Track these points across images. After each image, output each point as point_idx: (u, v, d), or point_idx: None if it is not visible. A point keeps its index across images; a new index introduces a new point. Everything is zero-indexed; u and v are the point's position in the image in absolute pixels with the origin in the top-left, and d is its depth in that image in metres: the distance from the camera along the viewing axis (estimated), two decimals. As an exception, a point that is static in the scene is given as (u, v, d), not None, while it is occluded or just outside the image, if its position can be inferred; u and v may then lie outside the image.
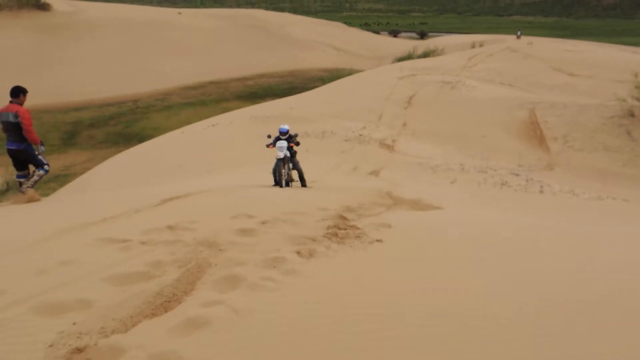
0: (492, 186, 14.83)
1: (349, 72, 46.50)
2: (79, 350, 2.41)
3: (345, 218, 5.93)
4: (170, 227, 4.73)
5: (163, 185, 14.17)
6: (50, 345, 2.45)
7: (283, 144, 11.49)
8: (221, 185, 12.52)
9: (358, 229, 5.32)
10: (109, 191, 12.12)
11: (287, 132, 11.80)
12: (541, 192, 13.79)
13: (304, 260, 4.01)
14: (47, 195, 29.19)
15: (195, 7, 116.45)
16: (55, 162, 44.71)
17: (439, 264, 4.28)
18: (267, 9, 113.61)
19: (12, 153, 7.22)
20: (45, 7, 67.84)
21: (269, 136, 12.29)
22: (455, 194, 12.84)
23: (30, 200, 6.98)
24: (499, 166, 18.11)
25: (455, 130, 23.50)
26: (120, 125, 53.13)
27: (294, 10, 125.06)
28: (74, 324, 2.70)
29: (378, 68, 42.57)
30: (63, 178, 37.64)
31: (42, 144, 7.45)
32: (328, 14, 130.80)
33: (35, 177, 7.33)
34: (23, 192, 7.15)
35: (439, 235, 5.53)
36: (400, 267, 4.09)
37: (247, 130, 25.58)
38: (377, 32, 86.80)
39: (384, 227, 5.57)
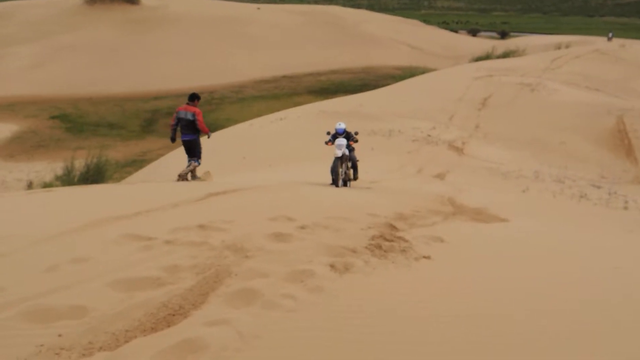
0: (569, 198, 13.67)
1: (423, 71, 45.30)
2: (49, 371, 2.13)
3: (394, 227, 5.44)
4: (201, 226, 4.45)
5: (221, 177, 14.17)
6: (21, 362, 2.18)
7: (342, 141, 11.08)
8: (278, 180, 12.31)
9: (405, 241, 4.82)
10: (165, 181, 12.22)
11: (344, 131, 11.37)
12: (625, 208, 12.53)
13: (336, 276, 3.59)
14: (122, 178, 30.59)
15: (275, 3, 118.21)
16: (133, 148, 46.88)
17: (492, 293, 3.71)
18: (344, 5, 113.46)
19: (185, 142, 9.36)
20: (134, 1, 71.23)
21: (328, 133, 11.92)
22: (526, 205, 11.90)
23: (188, 177, 9.32)
24: (578, 176, 16.76)
25: (531, 135, 22.11)
26: (196, 115, 54.66)
27: (371, 7, 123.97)
28: (60, 335, 2.43)
29: (453, 67, 41.11)
30: (139, 163, 39.24)
31: (209, 135, 9.66)
32: (405, 12, 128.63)
33: (191, 167, 9.41)
34: (187, 170, 9.33)
35: (497, 255, 4.92)
36: (444, 294, 3.56)
37: (314, 125, 25.30)
38: (455, 31, 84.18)
39: (436, 241, 5.03)
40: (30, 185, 28.01)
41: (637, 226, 10.18)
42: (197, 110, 9.20)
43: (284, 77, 66.71)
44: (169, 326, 2.68)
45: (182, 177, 9.37)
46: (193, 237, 4.15)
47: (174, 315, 2.80)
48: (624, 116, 22.05)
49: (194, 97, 9.47)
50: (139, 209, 4.94)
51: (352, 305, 3.12)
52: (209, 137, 9.73)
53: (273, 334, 2.60)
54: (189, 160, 9.46)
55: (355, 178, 11.42)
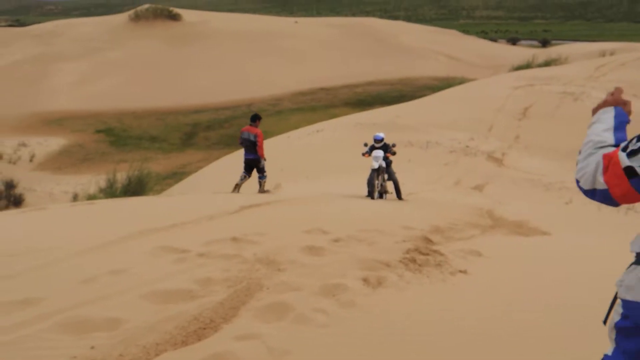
0: (615, 210, 13.16)
1: (461, 81, 44.73)
2: (81, 383, 2.15)
3: (429, 240, 5.33)
4: (234, 239, 4.48)
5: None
6: (54, 374, 2.22)
7: (379, 153, 11.01)
8: (314, 192, 12.32)
9: (441, 255, 4.71)
10: (202, 193, 12.41)
11: (382, 140, 11.30)
12: (675, 221, 11.97)
13: (369, 291, 3.53)
14: (163, 190, 31.27)
15: (312, 15, 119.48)
16: (174, 161, 47.97)
17: (530, 310, 3.57)
18: (381, 17, 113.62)
19: (247, 161, 10.22)
20: (176, 18, 73.29)
21: (366, 144, 11.87)
22: (569, 218, 11.53)
23: (262, 191, 10.24)
24: (625, 188, 16.14)
25: (575, 145, 21.35)
26: (234, 128, 55.63)
27: (408, 19, 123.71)
28: (92, 347, 2.46)
29: (492, 77, 40.46)
30: (180, 175, 40.09)
31: (264, 160, 10.33)
32: (443, 22, 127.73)
33: (262, 183, 10.39)
34: (261, 191, 10.27)
35: (538, 270, 4.75)
36: (480, 310, 3.45)
37: (351, 137, 25.30)
38: (494, 40, 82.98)
39: (473, 255, 4.90)
40: (75, 198, 28.98)
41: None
42: (258, 131, 9.75)
43: (321, 89, 67.11)
44: (199, 340, 2.68)
45: (236, 188, 10.20)
46: (226, 249, 4.17)
47: (204, 328, 2.80)
48: (673, 125, 21.16)
49: (255, 118, 10.01)
50: (175, 221, 5.02)
51: (384, 321, 3.06)
52: (265, 161, 10.39)
53: (303, 349, 2.57)
54: (244, 174, 10.31)
55: (399, 198, 11.30)
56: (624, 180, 1.54)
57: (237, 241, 4.45)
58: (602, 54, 45.98)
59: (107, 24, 75.41)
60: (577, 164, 1.81)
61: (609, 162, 1.61)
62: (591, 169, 1.69)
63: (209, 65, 70.07)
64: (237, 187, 10.22)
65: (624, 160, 1.55)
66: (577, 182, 1.79)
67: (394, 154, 11.50)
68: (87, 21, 78.58)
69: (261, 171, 10.33)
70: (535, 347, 2.97)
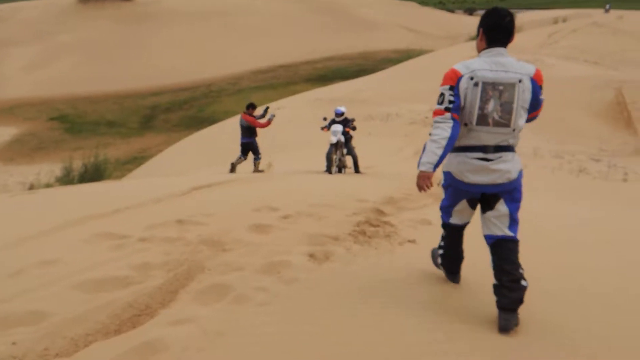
0: (568, 173, 13.52)
1: (420, 53, 44.91)
2: (-4, 382, 2.03)
3: (381, 212, 5.32)
4: (179, 221, 4.34)
5: (211, 170, 14.02)
6: (-32, 374, 2.09)
7: (338, 127, 10.93)
8: (273, 169, 12.19)
9: (392, 225, 4.70)
10: (156, 177, 12.13)
11: (343, 113, 11.22)
12: (625, 180, 12.37)
13: (314, 266, 3.48)
14: (123, 176, 30.57)
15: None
16: (133, 145, 46.86)
17: (472, 273, 3.59)
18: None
19: (243, 144, 11.39)
20: (127, -3, 70.73)
21: (325, 119, 11.77)
22: (525, 182, 11.78)
23: (256, 171, 11.23)
24: (577, 151, 16.60)
25: (530, 112, 21.92)
26: (194, 109, 54.64)
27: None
28: (14, 343, 2.33)
29: (449, 48, 40.71)
30: (140, 160, 39.20)
31: (272, 116, 11.52)
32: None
33: (257, 164, 11.43)
34: (255, 171, 11.22)
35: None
36: (425, 281, 3.43)
37: (311, 113, 25.20)
38: (451, 11, 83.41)
39: (423, 224, 4.92)
40: (31, 188, 28.02)
41: (637, 197, 10.04)
42: (250, 119, 10.95)
43: (281, 66, 66.34)
44: (134, 327, 2.58)
45: (232, 169, 11.34)
46: (170, 232, 4.04)
47: (140, 315, 2.69)
48: (622, 88, 21.78)
49: (249, 106, 11.24)
50: (119, 206, 4.84)
51: (326, 295, 3.02)
52: (273, 116, 11.59)
53: (239, 330, 2.50)
54: (240, 155, 11.45)
55: (357, 172, 11.28)
56: None
57: (182, 223, 4.31)
58: (555, 21, 46.81)
59: (54, 6, 72.29)
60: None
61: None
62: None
63: (164, 46, 68.22)
64: (233, 166, 11.39)
65: None
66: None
67: (354, 128, 11.43)
68: (33, 4, 75.08)
69: (256, 153, 11.38)
70: (478, 310, 2.98)
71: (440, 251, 3.29)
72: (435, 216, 5.20)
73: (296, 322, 2.64)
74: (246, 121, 11.11)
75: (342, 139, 10.96)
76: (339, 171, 10.93)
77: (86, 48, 66.86)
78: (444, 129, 2.82)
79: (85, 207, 4.83)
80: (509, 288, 2.74)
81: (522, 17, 58.97)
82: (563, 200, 8.98)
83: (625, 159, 15.71)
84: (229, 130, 26.48)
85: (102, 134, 49.63)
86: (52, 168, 34.27)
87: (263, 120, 11.40)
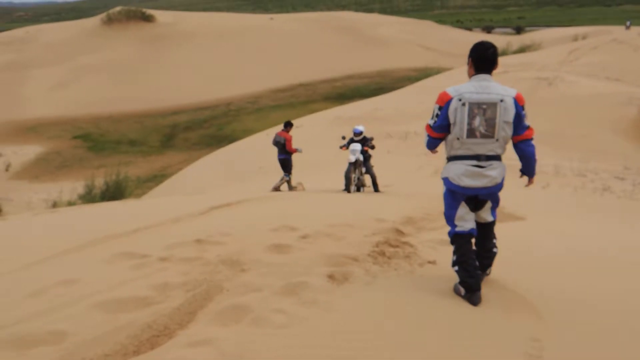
0: (591, 192, 13.27)
1: (438, 71, 44.91)
2: (16, 403, 2.03)
3: (401, 232, 5.27)
4: (198, 241, 4.35)
5: (232, 189, 14.12)
6: (-12, 395, 2.09)
7: (356, 147, 10.94)
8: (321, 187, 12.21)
9: (411, 246, 4.65)
10: (176, 196, 12.25)
11: (361, 133, 11.24)
12: (650, 199, 12.11)
13: (332, 287, 3.44)
14: (144, 194, 30.87)
15: (287, 12, 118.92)
16: (154, 163, 47.47)
17: (497, 298, 3.52)
18: (356, 10, 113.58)
19: (280, 161, 11.95)
20: (149, 19, 72.42)
21: (344, 137, 11.80)
22: (545, 201, 11.58)
23: (277, 189, 11.63)
24: (600, 169, 16.30)
25: (550, 129, 21.62)
26: (213, 128, 55.28)
27: (384, 11, 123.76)
28: (33, 365, 2.34)
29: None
30: (160, 178, 39.66)
31: (299, 150, 12.01)
32: (418, 13, 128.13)
33: (282, 181, 11.94)
34: (280, 183, 11.92)
35: (508, 259, 4.70)
36: (446, 303, 3.37)
37: (330, 132, 25.28)
38: (469, 29, 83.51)
39: (442, 245, 4.84)
40: (54, 206, 28.50)
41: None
42: (287, 136, 11.55)
43: (300, 85, 66.88)
44: (152, 348, 2.57)
45: (275, 189, 11.69)
46: (188, 252, 4.05)
47: (158, 336, 2.69)
48: (646, 105, 21.46)
49: (286, 125, 11.91)
50: (138, 225, 4.87)
51: (346, 317, 2.97)
52: (301, 152, 12.06)
53: (258, 354, 2.47)
54: (283, 175, 11.97)
55: (376, 191, 11.25)
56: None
57: (201, 243, 4.33)
58: (575, 39, 46.51)
59: (79, 28, 74.25)
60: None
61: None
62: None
63: (185, 66, 69.40)
64: (275, 188, 11.86)
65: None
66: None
67: (372, 147, 11.43)
68: (58, 26, 77.26)
69: (287, 170, 11.92)
70: (506, 333, 2.91)
71: (456, 267, 3.55)
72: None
73: (315, 345, 2.60)
74: (283, 138, 11.61)
75: (361, 157, 10.96)
76: (357, 190, 10.91)
77: (109, 69, 68.37)
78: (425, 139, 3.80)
79: (106, 226, 4.88)
80: (483, 256, 3.68)
81: (542, 35, 58.80)
82: (590, 220, 8.80)
83: (650, 177, 15.38)
84: (248, 147, 26.68)
85: (124, 152, 50.43)
86: (74, 186, 34.85)
87: (294, 147, 11.89)
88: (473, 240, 3.65)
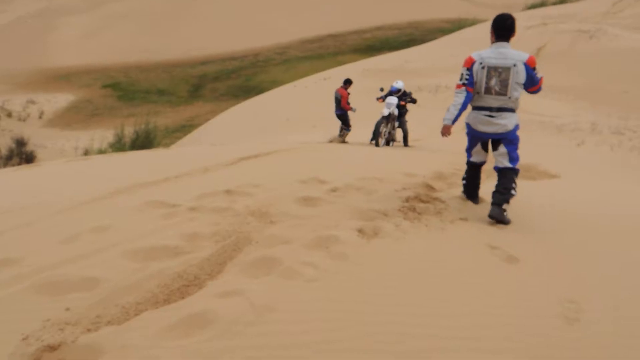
0: (628, 150, 12.83)
1: (472, 23, 43.31)
2: (51, 348, 2.06)
3: (431, 187, 5.17)
4: (228, 192, 4.34)
5: (260, 140, 14.10)
6: (24, 338, 2.13)
7: (392, 100, 10.71)
8: (316, 141, 12.11)
9: (442, 202, 4.56)
10: (206, 145, 12.28)
11: (399, 90, 10.99)
12: (691, 160, 11.65)
13: (363, 242, 3.39)
14: (172, 143, 31.15)
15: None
16: (182, 113, 47.70)
17: (532, 256, 3.43)
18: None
19: (338, 116, 12.23)
20: (178, -33, 70.97)
21: (382, 89, 11.57)
22: (580, 159, 11.25)
23: (342, 141, 11.88)
24: (640, 127, 15.71)
25: (590, 84, 20.84)
26: (241, 79, 54.99)
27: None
28: (67, 309, 2.37)
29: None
30: (188, 128, 39.95)
31: (353, 109, 11.94)
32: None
33: (344, 135, 12.26)
34: (341, 138, 12.13)
35: (540, 215, 4.58)
36: (476, 262, 3.30)
37: (358, 84, 24.80)
38: (508, -23, 79.64)
39: (475, 201, 4.73)
40: (86, 153, 29.10)
41: None
42: (344, 93, 11.84)
43: (328, 36, 65.55)
44: (183, 298, 2.58)
45: (340, 141, 11.97)
46: (218, 202, 4.04)
47: (188, 286, 2.69)
48: (693, 61, 20.39)
49: (345, 82, 12.10)
50: (168, 174, 4.88)
51: (376, 273, 2.93)
52: (354, 111, 12.04)
53: (288, 306, 2.45)
54: (341, 129, 12.32)
55: (405, 145, 11.08)
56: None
57: (231, 194, 4.31)
58: (621, -12, 43.94)
59: (108, -25, 73.54)
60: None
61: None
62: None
63: (214, 16, 68.54)
64: (339, 139, 12.18)
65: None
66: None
67: (414, 101, 11.19)
68: (87, -27, 76.55)
69: (346, 124, 12.22)
70: (540, 293, 2.84)
71: (464, 181, 4.74)
72: (488, 193, 5.01)
73: (346, 300, 2.58)
74: (339, 94, 11.90)
75: (396, 112, 10.74)
76: (387, 144, 10.75)
77: (138, 17, 68.03)
78: (460, 97, 4.28)
79: (136, 174, 4.90)
80: (500, 192, 4.21)
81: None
82: (625, 179, 8.52)
83: (692, 137, 14.75)
84: (275, 98, 26.48)
85: (153, 102, 50.74)
86: (105, 134, 35.42)
87: (349, 105, 12.05)
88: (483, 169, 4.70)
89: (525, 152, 10.01)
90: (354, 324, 2.36)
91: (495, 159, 4.34)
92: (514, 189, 4.24)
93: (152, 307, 2.48)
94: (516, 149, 4.32)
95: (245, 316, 2.34)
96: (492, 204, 4.18)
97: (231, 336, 2.19)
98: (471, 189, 4.64)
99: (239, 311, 2.37)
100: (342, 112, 12.02)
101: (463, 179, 4.74)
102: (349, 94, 11.93)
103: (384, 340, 2.24)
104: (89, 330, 2.22)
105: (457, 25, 48.81)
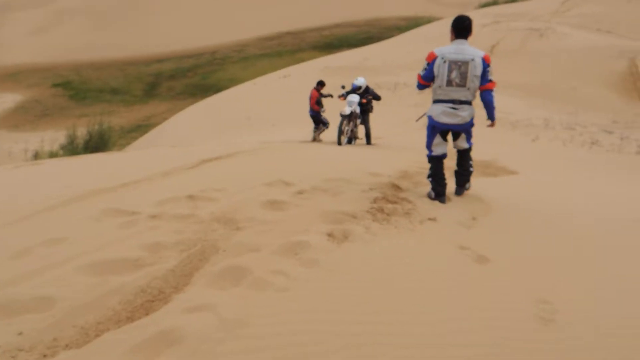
0: (580, 145, 13.25)
1: (428, 20, 43.96)
2: (3, 377, 1.88)
3: (398, 187, 5.13)
4: (190, 197, 4.17)
5: (221, 140, 13.83)
6: (-28, 368, 1.94)
7: (354, 98, 10.60)
8: (280, 141, 11.97)
9: (410, 202, 4.52)
10: (165, 147, 11.94)
11: (360, 87, 10.86)
12: (638, 152, 12.11)
13: (333, 246, 3.31)
14: (128, 144, 30.27)
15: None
16: (138, 113, 46.50)
17: (503, 253, 3.43)
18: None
19: (311, 117, 12.38)
20: (129, -39, 69.27)
21: (343, 87, 11.46)
22: (535, 155, 11.53)
23: (316, 140, 12.14)
24: (589, 122, 16.26)
25: (541, 81, 21.42)
26: (198, 77, 54.07)
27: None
28: (20, 333, 2.18)
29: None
30: (144, 128, 38.97)
31: (322, 110, 12.25)
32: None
33: (321, 130, 12.36)
34: (316, 135, 12.31)
35: (506, 214, 4.61)
36: (449, 261, 3.27)
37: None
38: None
39: (443, 202, 4.73)
40: (36, 156, 27.93)
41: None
42: (314, 93, 12.12)
43: (287, 33, 65.32)
44: (147, 314, 2.43)
45: (314, 140, 12.17)
46: (180, 209, 3.87)
47: (153, 301, 2.54)
48: (636, 58, 21.25)
49: (318, 83, 12.37)
50: (126, 180, 4.66)
51: (349, 279, 2.85)
52: (324, 111, 12.35)
53: (260, 320, 2.34)
54: (316, 126, 12.42)
55: (368, 143, 11.04)
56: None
57: (193, 199, 4.14)
58: (568, -12, 45.47)
59: (56, -31, 70.89)
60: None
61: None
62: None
63: (168, 11, 67.16)
64: (314, 140, 12.23)
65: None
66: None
67: (378, 98, 11.12)
68: (34, -33, 73.59)
69: (321, 123, 12.35)
70: (512, 293, 2.82)
71: (430, 179, 4.86)
72: (452, 191, 5.01)
73: (320, 310, 2.48)
74: (310, 95, 12.32)
75: (357, 110, 10.68)
76: (349, 142, 10.70)
77: (90, 13, 65.92)
78: (417, 86, 4.86)
79: (91, 180, 4.66)
80: (462, 173, 4.93)
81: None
82: (576, 174, 8.75)
83: (638, 131, 15.38)
84: (235, 97, 26.12)
85: (106, 101, 49.26)
86: (56, 135, 34.12)
87: (317, 106, 12.29)
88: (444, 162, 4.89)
89: (482, 148, 10.18)
90: (330, 337, 2.27)
91: (456, 143, 4.87)
92: (471, 166, 4.95)
93: (114, 326, 2.32)
94: (471, 134, 4.85)
95: (215, 333, 2.22)
96: (457, 184, 4.95)
97: (201, 356, 2.06)
98: (438, 183, 4.77)
99: (208, 327, 2.25)
100: (314, 112, 12.27)
101: (428, 176, 4.87)
102: (321, 94, 12.19)
103: (365, 354, 2.15)
104: (45, 356, 2.05)
105: (413, 22, 49.47)
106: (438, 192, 4.74)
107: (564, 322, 2.55)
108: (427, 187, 5.39)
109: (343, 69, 25.57)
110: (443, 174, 4.82)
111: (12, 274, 2.67)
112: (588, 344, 2.40)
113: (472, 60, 4.46)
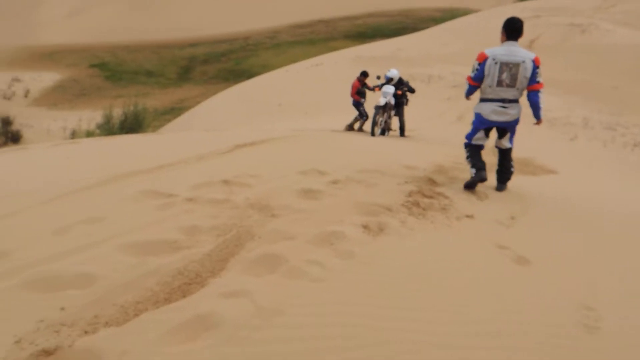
0: (621, 147, 12.86)
1: (465, 13, 43.15)
2: (46, 353, 1.91)
3: (433, 182, 5.05)
4: (225, 182, 4.18)
5: (253, 126, 13.89)
6: (17, 341, 1.97)
7: (389, 89, 10.52)
8: (312, 129, 11.94)
9: (446, 197, 4.45)
10: (195, 131, 12.04)
11: (392, 80, 10.77)
12: (684, 157, 11.70)
13: (369, 239, 3.27)
14: (161, 126, 30.62)
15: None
16: (171, 96, 47.02)
17: (542, 254, 3.33)
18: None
19: (353, 105, 12.31)
20: (167, -56, 69.83)
21: (379, 77, 11.38)
22: (575, 154, 11.24)
23: (350, 130, 12.28)
24: (631, 123, 15.75)
25: (581, 79, 20.84)
26: (231, 62, 54.36)
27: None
28: (62, 309, 2.21)
29: (496, 8, 38.87)
30: (177, 111, 39.43)
31: (362, 100, 12.19)
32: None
33: (358, 119, 12.29)
34: (352, 124, 12.41)
35: (546, 214, 4.49)
36: (486, 260, 3.20)
37: (351, 71, 24.59)
38: (501, -32, 79.44)
39: (479, 198, 4.64)
40: (73, 134, 28.57)
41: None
42: (355, 83, 12.05)
43: (320, 21, 65.06)
44: (184, 296, 2.44)
45: (350, 129, 12.30)
46: (216, 193, 3.88)
47: (190, 284, 2.55)
48: (684, 58, 20.46)
49: (361, 74, 12.18)
50: (162, 162, 4.70)
51: (385, 273, 2.81)
52: (363, 102, 12.26)
53: (296, 309, 2.32)
54: (356, 117, 12.35)
55: (402, 135, 10.94)
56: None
57: (228, 184, 4.15)
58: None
59: (95, -49, 71.95)
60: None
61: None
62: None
63: (203, -4, 67.56)
64: (351, 128, 12.32)
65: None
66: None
67: (412, 90, 11.03)
68: (74, -51, 74.83)
69: (359, 113, 12.24)
70: (555, 299, 2.74)
71: (468, 159, 4.98)
72: (491, 189, 4.91)
73: (354, 302, 2.45)
74: (352, 85, 12.21)
75: (392, 101, 10.59)
76: (383, 133, 10.62)
77: (125, -5, 66.77)
78: (466, 89, 4.98)
79: (128, 161, 4.72)
80: (503, 172, 5.08)
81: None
82: (620, 175, 8.49)
83: (683, 134, 14.82)
84: (267, 83, 26.18)
85: (141, 83, 50.00)
86: (93, 115, 34.80)
87: (358, 96, 12.23)
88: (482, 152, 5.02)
89: (519, 145, 10.01)
90: (363, 330, 2.24)
91: (499, 142, 5.03)
92: (512, 166, 5.13)
93: (153, 306, 2.34)
94: (515, 133, 5.01)
95: (251, 320, 2.21)
96: (498, 181, 5.08)
97: (238, 342, 2.06)
98: (478, 160, 4.88)
99: (244, 314, 2.24)
100: (355, 101, 12.24)
101: (467, 157, 5.00)
102: (364, 85, 12.08)
103: (402, 350, 2.12)
104: (86, 332, 2.08)
105: (449, 14, 48.68)
106: (479, 167, 4.82)
107: (610, 331, 2.46)
108: (462, 182, 5.30)
109: (376, 59, 25.33)
110: (481, 155, 4.95)
111: (55, 250, 2.71)
112: (636, 355, 2.31)
113: (523, 62, 4.57)
